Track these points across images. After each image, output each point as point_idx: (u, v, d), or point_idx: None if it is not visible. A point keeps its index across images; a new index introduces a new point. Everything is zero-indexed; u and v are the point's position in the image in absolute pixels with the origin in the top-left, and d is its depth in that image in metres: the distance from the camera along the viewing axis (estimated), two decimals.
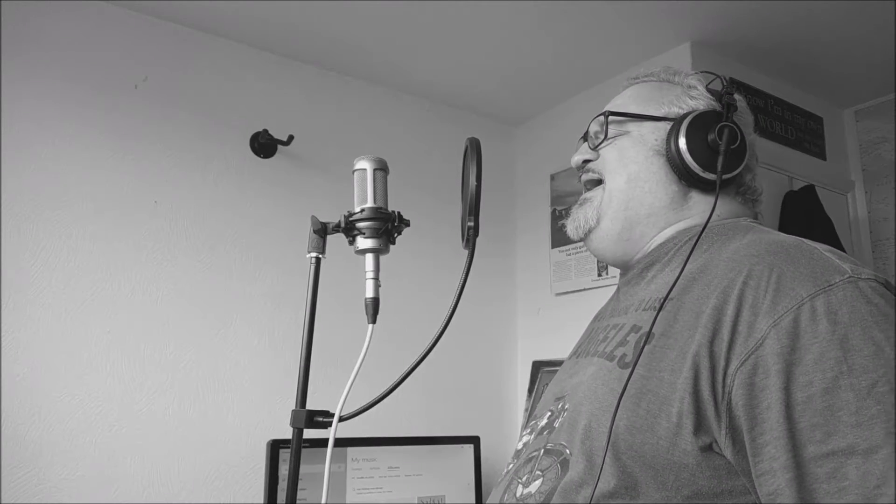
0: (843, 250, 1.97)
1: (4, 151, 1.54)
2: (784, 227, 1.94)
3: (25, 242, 1.54)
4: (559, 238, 2.17)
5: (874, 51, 1.92)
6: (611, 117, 0.88)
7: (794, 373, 0.60)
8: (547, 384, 2.05)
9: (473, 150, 0.73)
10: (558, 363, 2.07)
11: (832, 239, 1.96)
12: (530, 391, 2.13)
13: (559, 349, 2.11)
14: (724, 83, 0.87)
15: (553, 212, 2.21)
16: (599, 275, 1.99)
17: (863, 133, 2.27)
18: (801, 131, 2.14)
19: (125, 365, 1.61)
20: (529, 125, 2.42)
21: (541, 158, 2.32)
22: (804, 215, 1.96)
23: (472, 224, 0.72)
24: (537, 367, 2.15)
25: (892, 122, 2.18)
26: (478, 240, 0.72)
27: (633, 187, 0.85)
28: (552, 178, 2.24)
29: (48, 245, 1.56)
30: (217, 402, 1.71)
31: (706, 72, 0.92)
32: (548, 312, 2.20)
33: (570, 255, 2.11)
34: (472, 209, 0.72)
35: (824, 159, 2.19)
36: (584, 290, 2.05)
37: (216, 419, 1.70)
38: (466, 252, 0.72)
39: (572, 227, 0.91)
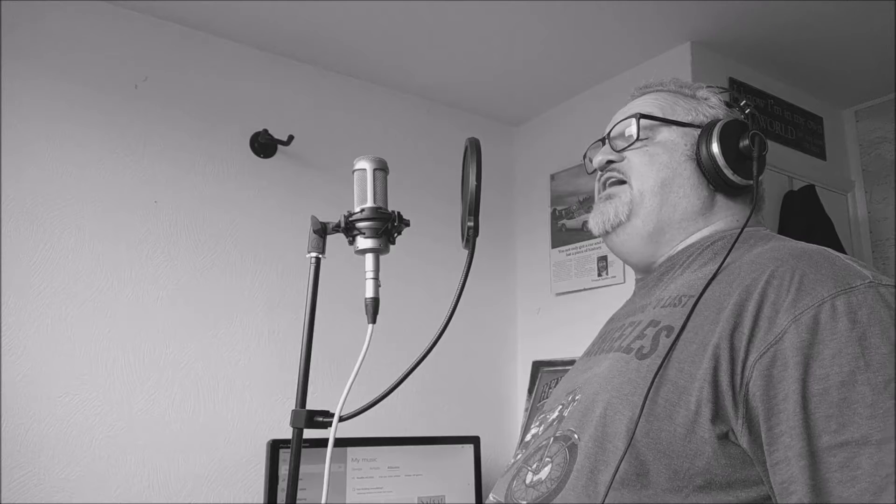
0: (843, 250, 1.98)
1: (4, 151, 1.54)
2: (784, 227, 1.94)
3: (25, 242, 1.54)
4: (559, 238, 2.17)
5: (874, 51, 1.92)
6: (639, 121, 0.88)
7: (812, 366, 0.61)
8: (547, 384, 2.05)
9: (473, 150, 0.73)
10: (558, 363, 2.07)
11: (832, 239, 1.96)
12: (530, 391, 2.13)
13: (559, 349, 2.11)
14: (737, 95, 0.91)
15: (553, 212, 2.21)
16: (599, 275, 2.00)
17: (863, 133, 2.27)
18: (801, 131, 2.14)
19: (125, 365, 1.61)
20: (529, 125, 2.42)
21: (541, 158, 2.32)
22: (804, 215, 1.96)
23: (472, 224, 0.72)
24: (537, 367, 2.15)
25: (892, 122, 2.18)
26: (478, 240, 0.72)
27: (667, 192, 0.85)
28: (552, 178, 2.24)
29: (48, 245, 1.56)
30: (217, 402, 1.71)
31: (712, 86, 0.95)
32: (548, 312, 2.20)
33: (570, 255, 2.12)
34: (472, 209, 0.72)
35: (824, 159, 2.19)
36: (584, 290, 2.05)
37: (216, 419, 1.70)
38: (466, 252, 0.72)
39: (598, 220, 0.90)
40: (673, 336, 0.71)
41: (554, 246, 2.19)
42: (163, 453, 1.62)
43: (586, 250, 2.06)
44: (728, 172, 0.83)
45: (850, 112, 2.31)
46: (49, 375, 1.52)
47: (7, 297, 1.50)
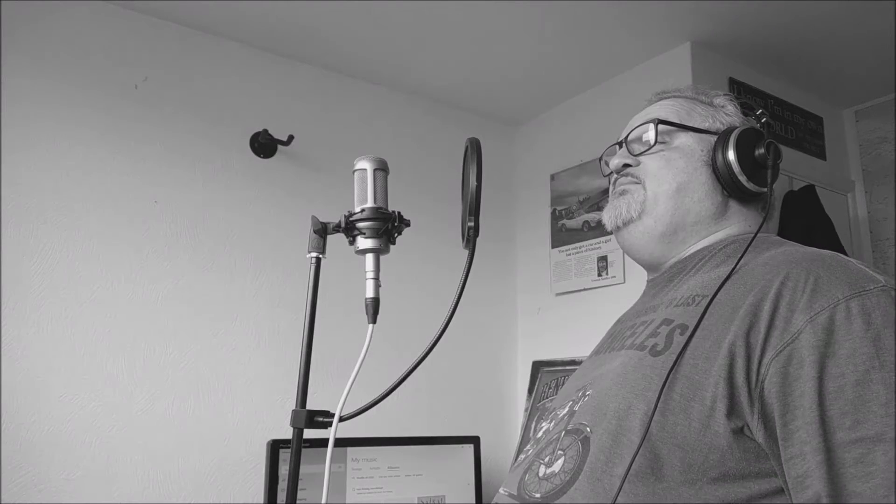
0: (844, 250, 1.97)
1: (4, 151, 1.54)
2: (784, 227, 1.94)
3: (25, 242, 1.54)
4: (559, 238, 2.17)
5: (874, 51, 1.92)
6: (657, 126, 0.89)
7: (828, 364, 0.63)
8: (547, 384, 2.05)
9: (473, 150, 0.73)
10: (558, 363, 2.07)
11: (832, 239, 1.96)
12: (530, 391, 2.13)
13: (559, 349, 2.11)
14: (755, 104, 0.92)
15: (553, 212, 2.21)
16: (599, 275, 2.00)
17: (863, 133, 2.27)
18: (801, 131, 2.14)
19: (125, 365, 1.61)
20: (529, 125, 2.42)
21: (541, 158, 2.32)
22: (804, 215, 1.96)
23: (472, 224, 0.72)
24: (537, 367, 2.15)
25: (892, 122, 2.18)
26: (478, 240, 0.72)
27: (682, 196, 0.87)
28: (552, 178, 2.24)
29: (48, 245, 1.56)
30: (217, 402, 1.71)
31: (728, 94, 0.97)
32: (548, 312, 2.20)
33: (570, 255, 2.11)
34: (473, 209, 0.72)
35: (824, 159, 2.19)
36: (584, 290, 2.05)
37: (216, 419, 1.70)
38: (466, 252, 0.72)
39: (612, 214, 0.91)
40: (687, 334, 0.72)
41: (554, 246, 2.19)
42: (163, 453, 1.62)
43: (586, 250, 2.06)
44: (743, 179, 0.85)
45: (850, 112, 2.31)
46: (49, 375, 1.52)
47: (7, 297, 1.50)
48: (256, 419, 1.76)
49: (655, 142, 0.88)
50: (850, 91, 2.19)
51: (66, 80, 1.64)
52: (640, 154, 0.90)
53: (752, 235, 0.81)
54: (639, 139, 0.92)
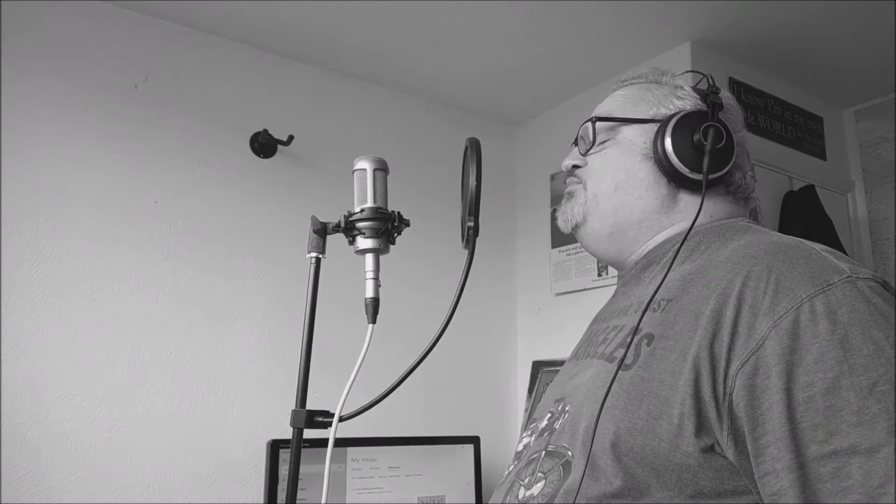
0: (843, 250, 1.97)
1: (4, 151, 1.54)
2: (784, 227, 1.94)
3: (25, 242, 1.54)
4: (559, 238, 2.17)
5: (874, 51, 1.92)
6: (599, 123, 0.88)
7: (795, 373, 0.59)
8: (548, 384, 2.05)
9: (473, 150, 0.73)
10: (558, 363, 2.07)
11: (832, 239, 1.96)
12: (530, 391, 2.13)
13: (559, 349, 2.11)
14: (710, 82, 0.86)
15: (553, 212, 2.21)
16: (599, 275, 1.99)
17: (863, 133, 2.27)
18: (801, 131, 2.14)
19: (125, 365, 1.61)
20: (529, 125, 2.42)
21: (541, 158, 2.32)
22: (804, 215, 1.96)
23: (472, 224, 0.72)
24: (537, 367, 2.15)
25: (892, 122, 2.18)
26: (478, 240, 0.72)
27: (621, 194, 0.85)
28: (552, 178, 2.24)
29: (48, 245, 1.56)
30: (217, 402, 1.71)
31: (694, 71, 0.92)
32: (548, 312, 2.20)
33: (570, 255, 2.11)
34: (472, 209, 0.72)
35: (824, 159, 2.19)
36: (584, 290, 2.05)
37: (216, 419, 1.70)
38: (466, 252, 0.72)
39: (561, 219, 0.94)
40: (653, 344, 0.70)
41: (554, 246, 2.19)
42: (163, 453, 1.62)
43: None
44: (682, 168, 0.80)
45: (850, 112, 2.31)
46: (49, 375, 1.52)
47: (7, 297, 1.50)
48: (256, 419, 1.76)
49: (594, 141, 0.87)
50: (850, 91, 2.19)
51: (66, 80, 1.64)
52: (586, 153, 0.89)
53: (719, 226, 0.78)
54: (584, 138, 0.90)
